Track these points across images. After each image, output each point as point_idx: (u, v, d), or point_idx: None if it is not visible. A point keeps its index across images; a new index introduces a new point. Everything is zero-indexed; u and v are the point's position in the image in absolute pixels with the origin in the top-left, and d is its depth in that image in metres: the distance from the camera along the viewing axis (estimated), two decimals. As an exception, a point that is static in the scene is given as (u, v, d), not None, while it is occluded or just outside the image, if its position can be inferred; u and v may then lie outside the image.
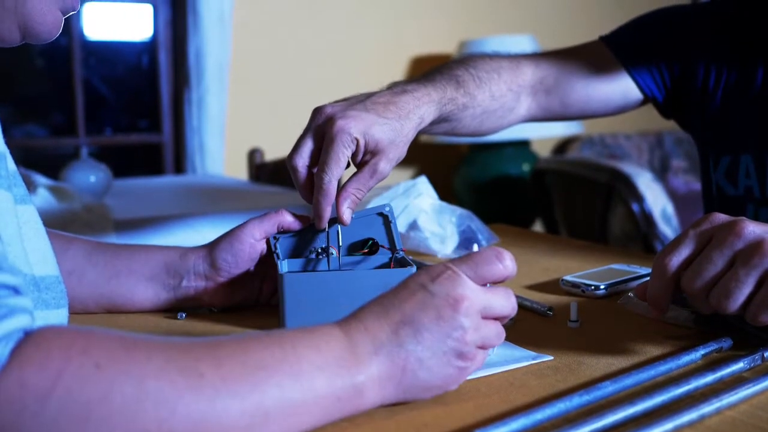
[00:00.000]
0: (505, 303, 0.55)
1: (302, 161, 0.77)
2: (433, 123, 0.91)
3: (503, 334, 0.55)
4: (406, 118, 0.82)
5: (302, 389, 0.46)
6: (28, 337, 0.42)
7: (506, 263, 0.56)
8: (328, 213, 0.75)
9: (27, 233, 0.58)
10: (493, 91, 1.00)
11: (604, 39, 1.12)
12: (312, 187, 0.76)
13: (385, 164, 0.79)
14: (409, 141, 0.83)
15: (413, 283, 0.53)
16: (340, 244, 0.78)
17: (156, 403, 0.41)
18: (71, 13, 0.62)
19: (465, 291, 0.52)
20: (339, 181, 0.76)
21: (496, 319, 0.55)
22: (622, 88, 1.09)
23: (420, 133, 0.90)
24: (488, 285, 0.56)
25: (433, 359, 0.51)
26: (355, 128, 0.75)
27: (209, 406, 0.43)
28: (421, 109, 0.85)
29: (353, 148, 0.75)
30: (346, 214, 0.76)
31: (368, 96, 0.82)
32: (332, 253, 0.78)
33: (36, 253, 0.58)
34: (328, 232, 0.78)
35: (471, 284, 0.53)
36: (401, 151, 0.81)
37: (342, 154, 0.74)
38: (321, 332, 0.50)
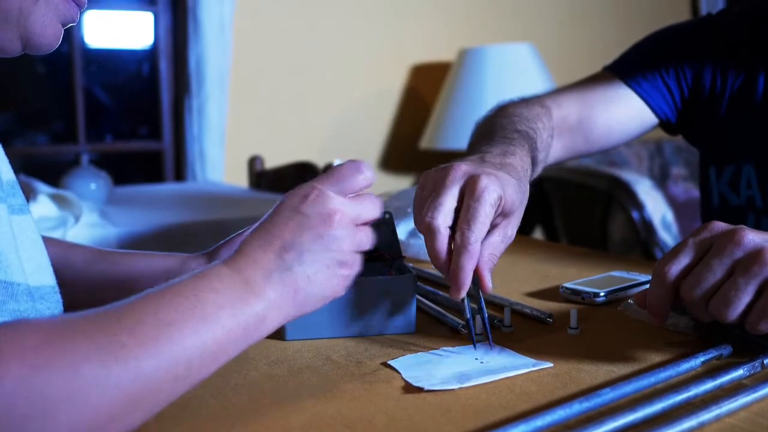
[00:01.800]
0: (372, 207, 0.60)
1: (446, 221, 0.67)
2: None
3: (371, 236, 0.60)
4: (525, 181, 0.78)
5: (213, 331, 0.50)
6: None
7: (366, 174, 0.59)
8: (470, 278, 0.66)
9: (23, 243, 0.58)
10: (545, 142, 0.98)
11: (610, 69, 1.12)
12: (447, 249, 0.67)
13: (514, 229, 0.73)
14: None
15: (286, 209, 0.57)
16: (486, 314, 0.70)
17: (92, 386, 0.43)
18: (71, 25, 0.62)
19: (335, 205, 0.56)
20: None
21: (365, 224, 0.60)
22: (638, 114, 1.09)
23: None
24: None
25: (319, 273, 0.56)
26: (498, 186, 0.68)
27: (136, 371, 0.45)
28: (528, 171, 0.83)
29: (498, 208, 0.68)
30: (489, 281, 0.69)
31: (482, 157, 0.78)
32: None
33: (31, 262, 0.59)
34: (471, 301, 0.70)
35: (338, 199, 0.57)
36: (522, 214, 0.75)
37: (490, 213, 0.67)
38: (213, 274, 0.53)
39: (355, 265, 0.59)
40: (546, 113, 1.03)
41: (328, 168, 0.65)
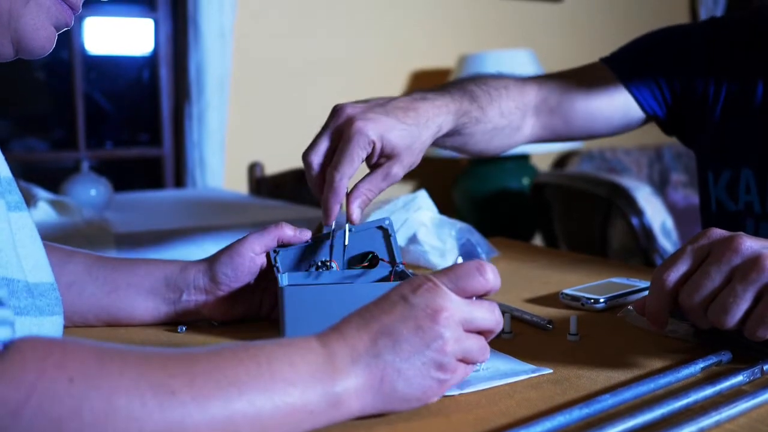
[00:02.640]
0: (488, 316, 0.55)
1: (317, 158, 0.78)
2: (447, 135, 0.91)
3: (487, 349, 0.55)
4: (425, 126, 0.83)
5: (274, 404, 0.46)
6: (5, 350, 0.42)
7: (487, 276, 0.55)
8: (335, 210, 0.76)
9: (21, 240, 0.58)
10: (502, 108, 1.01)
11: (604, 60, 1.13)
12: (323, 184, 0.77)
13: (398, 168, 0.80)
14: (425, 148, 0.84)
15: (394, 294, 0.54)
16: (347, 243, 0.78)
17: (125, 420, 0.42)
18: (64, 29, 0.62)
19: (444, 302, 0.52)
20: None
21: (480, 333, 0.55)
22: (623, 106, 1.09)
23: (433, 145, 0.91)
24: (474, 298, 0.56)
25: (411, 370, 0.51)
26: (373, 131, 0.76)
27: (178, 421, 0.43)
28: (439, 118, 0.86)
29: (369, 150, 0.76)
30: (356, 213, 0.77)
31: (389, 100, 0.83)
32: (333, 267, 0.78)
33: (30, 259, 0.58)
34: (332, 238, 0.78)
35: (451, 296, 0.53)
36: (416, 157, 0.82)
37: (356, 154, 0.75)
38: (298, 346, 0.50)
39: (458, 374, 0.53)
40: (518, 87, 1.05)
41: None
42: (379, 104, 0.81)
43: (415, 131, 0.81)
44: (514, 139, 1.07)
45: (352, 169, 0.75)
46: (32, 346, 0.43)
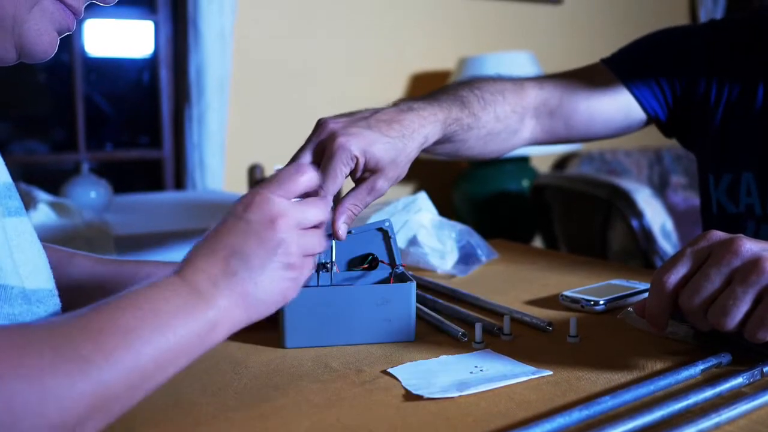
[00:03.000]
0: (318, 211, 0.60)
1: None
2: (437, 143, 0.90)
3: (323, 240, 0.61)
4: (410, 138, 0.81)
5: (167, 339, 0.50)
6: None
7: (308, 174, 0.60)
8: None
9: (20, 245, 0.58)
10: (497, 113, 0.99)
11: (606, 61, 1.13)
12: None
13: (383, 182, 0.79)
14: (411, 160, 0.82)
15: (230, 216, 0.58)
16: (333, 259, 0.78)
17: (55, 397, 0.44)
18: (66, 33, 0.62)
19: (278, 209, 0.57)
20: (337, 197, 0.76)
21: (315, 227, 0.60)
22: (624, 107, 1.09)
23: (423, 152, 0.90)
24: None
25: (266, 278, 0.56)
26: (355, 146, 0.75)
27: (97, 382, 0.46)
28: (425, 129, 0.84)
29: (352, 165, 0.75)
30: (342, 229, 0.76)
31: (373, 112, 0.82)
32: (331, 267, 0.78)
33: (28, 265, 0.59)
34: (333, 240, 0.77)
35: (282, 202, 0.58)
36: (402, 170, 0.81)
37: (340, 170, 0.74)
38: (164, 284, 0.53)
39: (305, 268, 0.59)
40: (516, 90, 1.04)
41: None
42: (363, 117, 0.80)
43: (399, 144, 0.79)
44: (512, 142, 1.05)
45: (336, 186, 0.74)
46: None
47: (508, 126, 1.02)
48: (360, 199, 0.78)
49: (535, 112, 1.06)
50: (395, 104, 0.87)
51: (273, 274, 0.56)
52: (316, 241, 0.60)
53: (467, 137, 0.96)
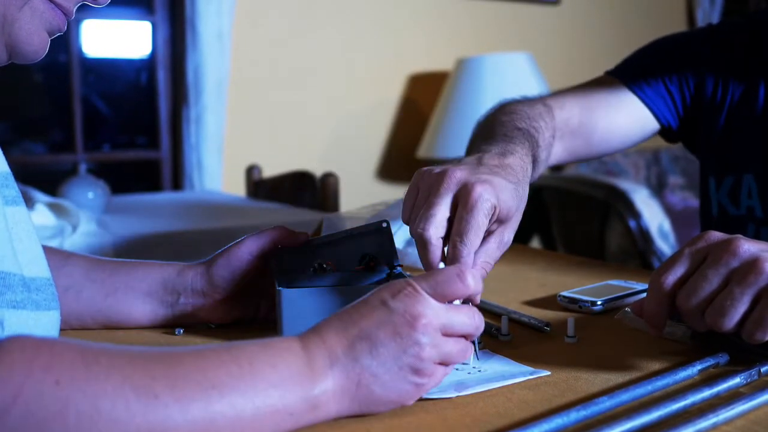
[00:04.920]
0: (467, 321, 0.55)
1: (437, 232, 0.66)
2: None
3: (468, 351, 0.56)
4: (524, 183, 0.76)
5: (254, 406, 0.47)
6: None
7: (467, 282, 0.55)
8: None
9: (18, 234, 0.59)
10: (546, 141, 0.97)
11: (613, 73, 1.12)
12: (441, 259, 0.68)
13: (510, 233, 0.72)
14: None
15: (374, 298, 0.54)
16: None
17: (109, 422, 0.43)
18: (57, 35, 0.62)
19: (423, 309, 0.53)
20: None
21: (462, 336, 0.55)
22: (640, 120, 1.09)
23: None
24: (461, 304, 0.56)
25: (387, 374, 0.52)
26: (492, 194, 0.67)
27: (159, 425, 0.44)
28: (529, 169, 0.80)
29: (491, 216, 0.67)
30: (481, 285, 0.66)
31: (479, 158, 0.75)
32: (328, 268, 0.78)
33: (27, 254, 0.59)
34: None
35: (431, 302, 0.53)
36: (520, 218, 0.74)
37: (483, 224, 0.66)
38: (279, 347, 0.51)
39: (435, 378, 0.54)
40: (548, 112, 1.02)
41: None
42: (478, 163, 0.73)
43: (521, 190, 0.73)
44: (543, 167, 0.99)
45: (478, 241, 0.66)
46: (21, 347, 0.43)
47: (549, 152, 0.99)
48: (491, 255, 0.70)
49: (559, 134, 1.04)
50: (481, 151, 0.80)
51: (397, 373, 0.52)
52: (456, 352, 0.54)
53: (535, 172, 0.90)
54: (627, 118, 1.08)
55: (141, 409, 0.44)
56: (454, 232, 0.66)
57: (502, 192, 0.68)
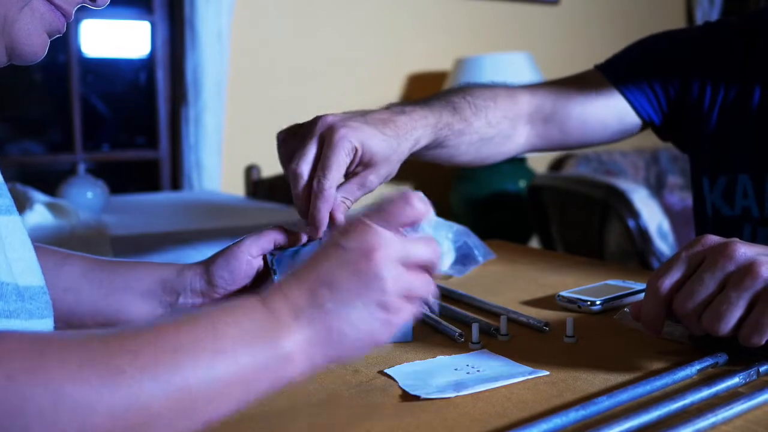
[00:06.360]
0: (425, 248, 0.53)
1: (308, 167, 0.75)
2: (429, 147, 0.91)
3: (431, 284, 0.54)
4: (403, 138, 0.82)
5: (225, 365, 0.45)
6: None
7: (414, 203, 0.54)
8: (326, 220, 0.75)
9: (12, 243, 0.58)
10: (489, 118, 1.00)
11: (598, 66, 1.13)
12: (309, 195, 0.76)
13: (374, 178, 0.79)
14: (401, 161, 0.83)
15: (327, 243, 0.52)
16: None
17: (74, 407, 0.40)
18: (57, 36, 0.62)
19: (378, 240, 0.51)
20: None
21: (422, 268, 0.53)
22: (618, 111, 1.09)
23: (416, 157, 0.90)
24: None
25: (354, 315, 0.50)
26: (355, 137, 0.75)
27: (131, 397, 0.42)
28: (417, 131, 0.85)
29: (352, 156, 0.76)
30: (343, 220, 0.75)
31: (368, 112, 0.83)
32: None
33: (20, 262, 0.59)
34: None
35: (384, 233, 0.51)
36: (393, 168, 0.82)
37: (343, 161, 0.74)
38: (241, 306, 0.49)
39: (402, 311, 0.52)
40: (508, 96, 1.04)
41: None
42: (359, 114, 0.81)
43: (394, 143, 0.80)
44: (506, 148, 1.06)
45: (340, 176, 0.74)
46: None
47: (501, 132, 1.02)
48: (351, 192, 0.78)
49: (529, 119, 1.07)
50: (387, 107, 0.87)
51: (364, 311, 0.50)
52: (420, 283, 0.52)
53: (459, 143, 0.96)
54: (604, 109, 1.09)
55: (107, 386, 0.41)
56: (318, 168, 0.74)
57: (369, 139, 0.76)
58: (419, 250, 0.53)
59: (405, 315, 0.52)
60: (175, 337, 0.45)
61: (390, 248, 0.51)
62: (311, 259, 0.52)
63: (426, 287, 0.53)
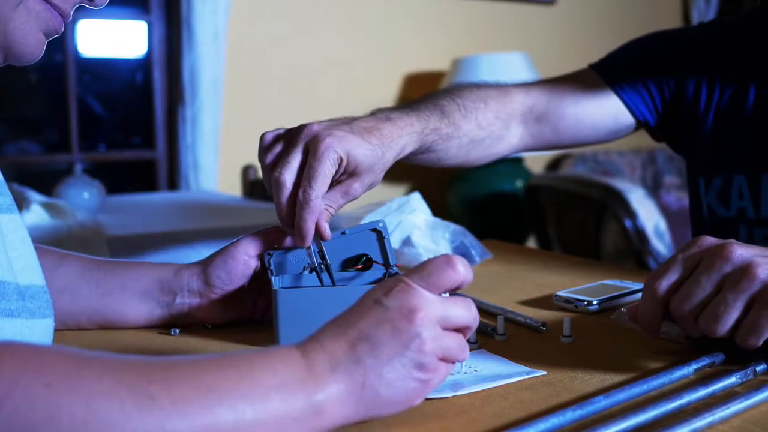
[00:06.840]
0: (464, 312, 0.54)
1: (292, 177, 0.75)
2: (416, 153, 0.91)
3: (466, 347, 0.54)
4: (388, 147, 0.82)
5: (255, 411, 0.45)
6: None
7: (457, 268, 0.54)
8: (312, 231, 0.75)
9: (12, 242, 0.58)
10: (479, 120, 0.99)
11: (592, 66, 1.13)
12: (293, 205, 0.75)
13: (358, 186, 0.79)
14: (386, 169, 0.83)
15: (368, 299, 0.53)
16: (329, 261, 0.77)
17: (103, 425, 0.41)
18: (54, 36, 0.61)
19: (419, 301, 0.51)
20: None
21: (458, 331, 0.54)
22: (612, 111, 1.09)
23: (404, 162, 0.90)
24: (448, 295, 0.55)
25: (392, 373, 0.50)
26: (340, 147, 0.75)
27: (157, 427, 0.42)
28: (402, 139, 0.85)
29: (337, 166, 0.76)
30: (328, 229, 0.76)
31: (353, 119, 0.83)
32: (325, 269, 0.78)
33: (21, 261, 0.58)
34: (316, 249, 0.77)
35: (425, 294, 0.52)
36: (377, 177, 0.82)
37: (329, 171, 0.74)
38: (279, 353, 0.50)
39: (439, 374, 0.52)
40: (500, 96, 1.04)
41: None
42: (345, 122, 0.81)
43: (378, 152, 0.80)
44: (497, 149, 1.05)
45: (325, 186, 0.74)
46: (11, 351, 0.42)
47: (492, 133, 1.02)
48: (334, 200, 0.78)
49: (522, 119, 1.06)
50: (373, 113, 0.87)
51: (401, 370, 0.50)
52: (457, 346, 0.53)
53: (448, 147, 0.96)
54: (598, 108, 1.08)
55: (137, 411, 0.42)
56: (303, 178, 0.74)
57: (354, 148, 0.77)
58: (458, 312, 0.53)
59: (441, 376, 0.52)
60: (212, 376, 0.46)
61: (430, 309, 0.51)
62: (350, 313, 0.52)
63: (461, 351, 0.53)
